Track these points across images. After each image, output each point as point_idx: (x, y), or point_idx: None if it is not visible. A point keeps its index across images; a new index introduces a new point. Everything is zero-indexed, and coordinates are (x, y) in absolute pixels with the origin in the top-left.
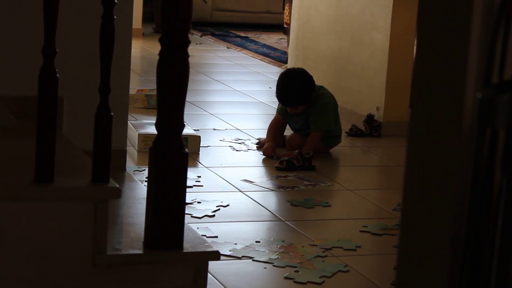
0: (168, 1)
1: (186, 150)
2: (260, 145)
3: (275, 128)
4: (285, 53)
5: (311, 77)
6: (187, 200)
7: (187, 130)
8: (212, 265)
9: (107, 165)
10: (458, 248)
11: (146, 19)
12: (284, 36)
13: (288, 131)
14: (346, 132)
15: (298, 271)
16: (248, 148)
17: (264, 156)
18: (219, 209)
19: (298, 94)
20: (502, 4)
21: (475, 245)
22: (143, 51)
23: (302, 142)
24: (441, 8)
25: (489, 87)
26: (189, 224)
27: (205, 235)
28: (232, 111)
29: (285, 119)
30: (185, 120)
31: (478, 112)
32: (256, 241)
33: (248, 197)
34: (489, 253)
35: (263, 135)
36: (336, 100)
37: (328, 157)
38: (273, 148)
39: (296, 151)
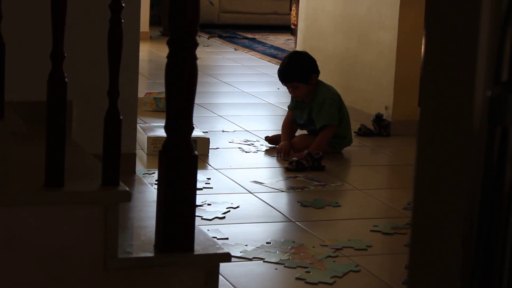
0: (175, 4)
1: (196, 152)
2: (269, 139)
3: (288, 126)
4: None
5: (314, 60)
6: (197, 202)
7: (196, 133)
8: (223, 267)
9: (117, 169)
10: (470, 247)
11: (153, 22)
12: (292, 37)
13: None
14: (355, 132)
15: (309, 272)
16: (257, 149)
17: (273, 157)
18: (229, 211)
19: (295, 68)
20: (511, 1)
21: (487, 244)
22: (151, 54)
23: (306, 144)
24: (449, 6)
25: (499, 85)
26: (199, 226)
27: (215, 237)
28: (240, 113)
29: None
30: (194, 123)
31: (488, 110)
32: (267, 242)
33: (258, 199)
34: (501, 252)
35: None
36: (341, 98)
37: (338, 157)
38: (286, 147)
39: (305, 151)
